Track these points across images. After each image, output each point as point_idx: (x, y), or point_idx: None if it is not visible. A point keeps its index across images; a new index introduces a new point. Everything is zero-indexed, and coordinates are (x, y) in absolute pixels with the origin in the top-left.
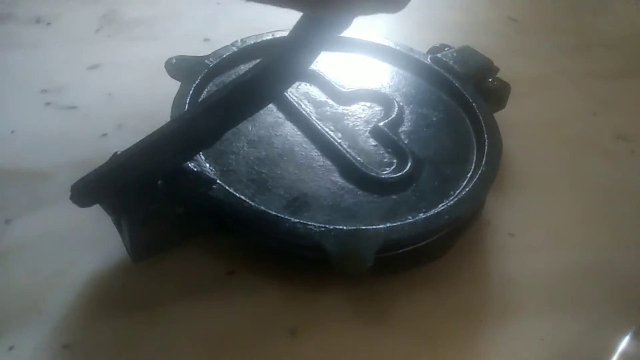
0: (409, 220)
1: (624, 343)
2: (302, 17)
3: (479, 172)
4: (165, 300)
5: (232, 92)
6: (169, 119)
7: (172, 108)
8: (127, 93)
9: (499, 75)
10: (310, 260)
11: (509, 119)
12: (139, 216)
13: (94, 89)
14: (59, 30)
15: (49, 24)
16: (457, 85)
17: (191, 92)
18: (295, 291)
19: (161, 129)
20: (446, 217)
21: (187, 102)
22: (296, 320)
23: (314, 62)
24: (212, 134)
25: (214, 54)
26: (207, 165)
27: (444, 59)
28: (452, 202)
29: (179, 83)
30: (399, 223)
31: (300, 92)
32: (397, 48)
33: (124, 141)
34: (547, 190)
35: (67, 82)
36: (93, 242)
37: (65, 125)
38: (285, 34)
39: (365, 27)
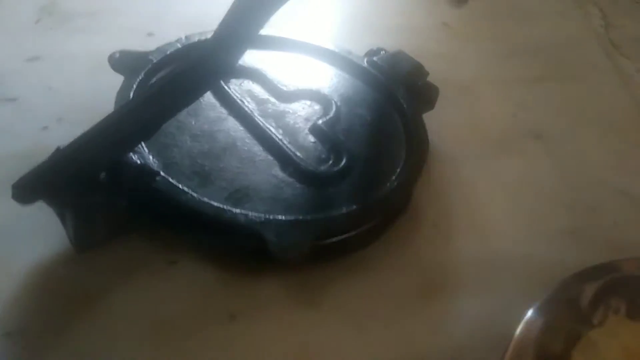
0: (344, 211)
1: (528, 314)
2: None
3: (407, 167)
4: (107, 290)
5: (170, 82)
6: (109, 112)
7: (115, 102)
8: (68, 86)
9: (429, 78)
10: (250, 249)
11: (438, 119)
12: (82, 210)
13: (34, 81)
14: None
15: None
16: (390, 87)
17: (135, 86)
18: (234, 279)
19: (102, 122)
20: (377, 208)
21: (130, 96)
22: (235, 307)
23: (259, 60)
24: (152, 124)
25: (157, 50)
26: (151, 157)
27: (379, 62)
28: (383, 194)
29: (121, 77)
30: (335, 214)
31: (243, 89)
32: (337, 50)
33: (65, 134)
34: (469, 185)
35: (5, 74)
36: (35, 233)
37: (5, 118)
38: None
39: (308, 29)
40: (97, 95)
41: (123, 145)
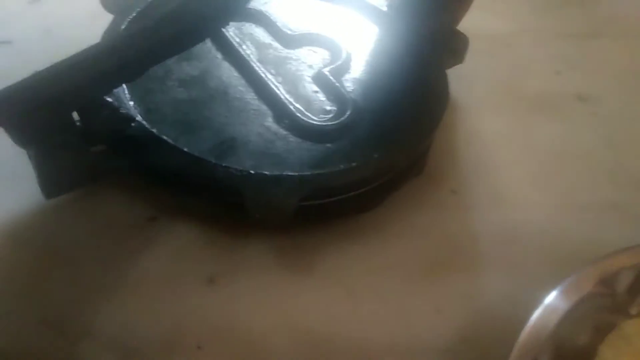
0: (340, 169)
1: (549, 297)
2: None
3: (420, 125)
4: (79, 242)
5: (162, 19)
6: None
7: (100, 40)
8: (66, 30)
9: (460, 27)
10: (234, 206)
11: (468, 75)
12: (46, 147)
13: (32, 24)
14: None
15: None
16: (410, 34)
17: (123, 27)
18: (217, 238)
19: (83, 52)
20: (378, 167)
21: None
22: (215, 269)
23: (262, 3)
24: (137, 64)
25: None
26: (132, 103)
27: (401, 6)
28: (387, 152)
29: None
30: (328, 171)
31: (243, 33)
32: None
33: None
34: (496, 149)
35: (4, 16)
36: (7, 179)
37: None
38: None
39: None
40: (96, 40)
41: (102, 83)
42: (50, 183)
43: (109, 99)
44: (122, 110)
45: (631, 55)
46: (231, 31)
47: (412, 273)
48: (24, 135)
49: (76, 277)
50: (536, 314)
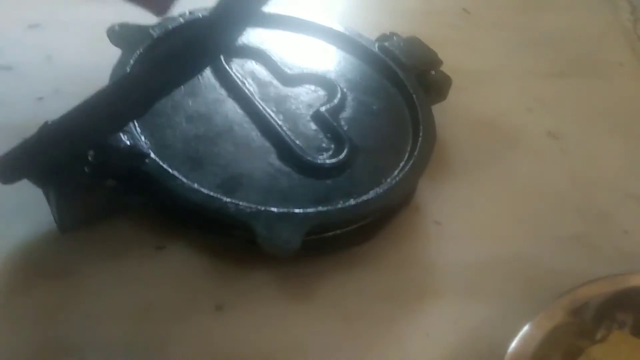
0: (339, 206)
1: (525, 327)
2: None
3: (411, 162)
4: (91, 272)
5: (164, 57)
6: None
7: (110, 77)
8: (67, 56)
9: (443, 67)
10: (240, 238)
11: (449, 110)
12: (67, 189)
13: (32, 49)
14: None
15: None
16: (400, 75)
17: (132, 61)
18: (224, 268)
19: (92, 96)
20: (375, 204)
21: (127, 72)
22: (223, 297)
23: (264, 40)
24: (145, 101)
25: (159, 24)
26: (142, 138)
27: (390, 48)
28: (382, 189)
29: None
30: (330, 208)
31: (245, 70)
32: (346, 33)
33: (60, 106)
34: (475, 182)
35: (4, 41)
36: (19, 210)
37: None
38: None
39: (317, 9)
40: (97, 66)
41: (113, 123)
42: (66, 219)
43: (123, 137)
44: (138, 148)
45: (596, 94)
46: (234, 68)
47: (403, 300)
48: (45, 181)
49: (87, 306)
50: (516, 341)
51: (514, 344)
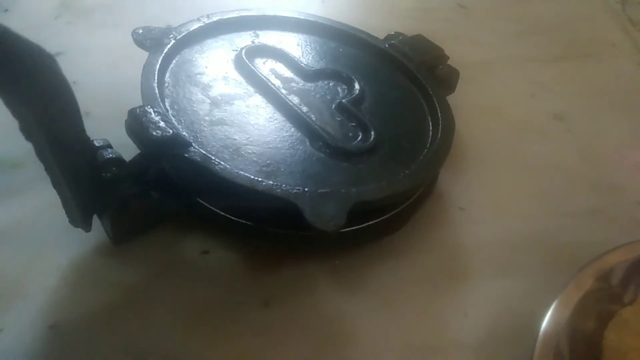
0: (375, 185)
1: (560, 295)
2: None
3: (435, 147)
4: (144, 279)
5: None
6: (136, 104)
7: (142, 76)
8: (92, 80)
9: (449, 61)
10: (279, 237)
11: (458, 102)
12: (119, 204)
13: None
14: (17, 17)
15: (6, 10)
16: (412, 69)
17: (159, 62)
18: (265, 267)
19: None
20: (406, 183)
21: (156, 70)
22: (268, 293)
23: (280, 41)
24: None
25: (180, 26)
26: (185, 134)
27: (399, 45)
28: (411, 171)
29: (142, 64)
30: (366, 187)
31: (267, 68)
32: (357, 33)
33: (93, 128)
34: (491, 167)
35: None
36: (70, 226)
37: None
38: (249, 13)
39: (322, 13)
40: (121, 87)
41: None
42: (118, 231)
43: (166, 127)
44: (180, 136)
45: (593, 75)
46: (257, 66)
47: (437, 282)
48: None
49: (146, 312)
50: (552, 309)
51: (549, 314)
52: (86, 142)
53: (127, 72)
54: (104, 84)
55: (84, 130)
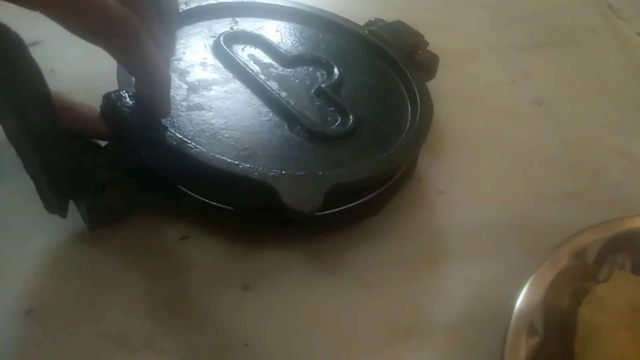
0: (353, 168)
1: (534, 274)
2: None
3: (413, 130)
4: (122, 265)
5: None
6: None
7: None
8: (70, 69)
9: (428, 48)
10: (258, 221)
11: (438, 88)
12: (94, 187)
13: None
14: None
15: None
16: (391, 54)
17: None
18: (245, 250)
19: None
20: (383, 165)
21: None
22: (248, 277)
23: (259, 27)
24: None
25: None
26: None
27: (379, 31)
28: (389, 154)
29: None
30: (344, 170)
31: (245, 54)
32: (337, 20)
33: None
34: (471, 152)
35: None
36: (46, 212)
37: None
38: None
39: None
40: (99, 78)
41: None
42: (95, 218)
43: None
44: (156, 121)
45: (573, 61)
46: (236, 51)
47: (415, 265)
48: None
49: (124, 297)
50: (526, 287)
51: (523, 292)
52: (60, 128)
53: (105, 61)
54: (81, 74)
55: (57, 117)
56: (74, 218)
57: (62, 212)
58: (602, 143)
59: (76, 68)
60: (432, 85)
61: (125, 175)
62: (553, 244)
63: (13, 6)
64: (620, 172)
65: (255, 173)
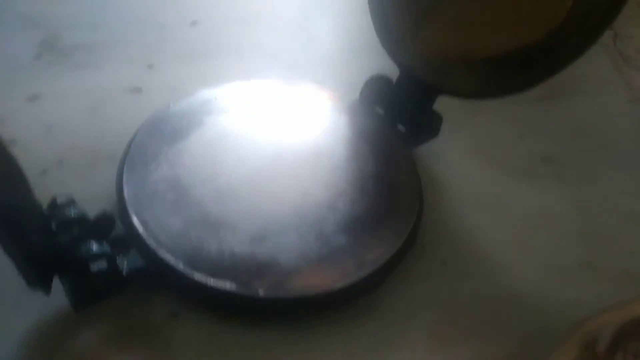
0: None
1: None
2: None
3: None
4: (109, 348)
5: None
6: (109, 152)
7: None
8: (68, 125)
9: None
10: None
11: (442, 145)
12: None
13: (33, 121)
14: None
15: None
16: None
17: None
18: (234, 330)
19: None
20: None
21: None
22: (240, 357)
23: None
24: None
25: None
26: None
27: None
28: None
29: (120, 115)
30: None
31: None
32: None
33: (64, 178)
34: (475, 215)
35: (4, 115)
36: (32, 291)
37: None
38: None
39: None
40: (97, 134)
41: None
42: (78, 297)
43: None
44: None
45: (583, 114)
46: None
47: (416, 346)
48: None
49: None
50: None
51: None
52: (36, 207)
53: (104, 118)
54: (79, 130)
55: (33, 196)
56: (59, 294)
57: (45, 289)
58: (615, 206)
59: (75, 124)
60: (435, 143)
61: (113, 251)
62: (562, 322)
63: (15, 57)
64: (634, 240)
65: None
